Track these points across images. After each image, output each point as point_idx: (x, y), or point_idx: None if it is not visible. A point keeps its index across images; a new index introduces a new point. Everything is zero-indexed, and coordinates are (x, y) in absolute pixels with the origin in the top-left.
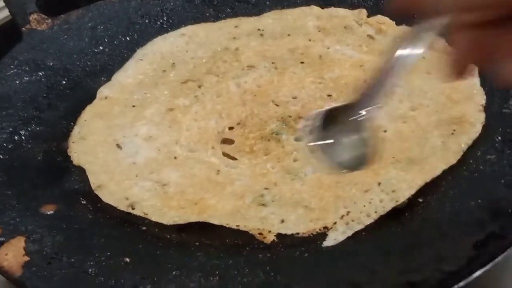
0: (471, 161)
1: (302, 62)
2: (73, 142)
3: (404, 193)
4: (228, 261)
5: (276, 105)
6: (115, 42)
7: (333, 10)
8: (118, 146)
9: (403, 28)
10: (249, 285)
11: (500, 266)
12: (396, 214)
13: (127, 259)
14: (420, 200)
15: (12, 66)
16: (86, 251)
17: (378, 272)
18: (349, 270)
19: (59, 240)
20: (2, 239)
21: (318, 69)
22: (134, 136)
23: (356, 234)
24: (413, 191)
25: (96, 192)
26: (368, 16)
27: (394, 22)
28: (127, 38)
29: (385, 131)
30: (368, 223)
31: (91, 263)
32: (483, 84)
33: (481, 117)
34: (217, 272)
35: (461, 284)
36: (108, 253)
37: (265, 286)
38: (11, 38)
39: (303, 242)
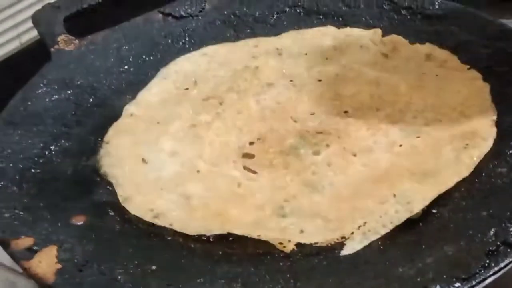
0: (483, 174)
1: (319, 80)
2: (101, 157)
3: (419, 204)
4: (250, 269)
5: (295, 121)
6: (139, 61)
7: (348, 30)
8: (144, 160)
9: (417, 46)
10: None
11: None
12: (411, 225)
13: (154, 267)
14: (434, 211)
15: (41, 85)
16: (115, 259)
17: (393, 279)
18: (366, 278)
19: (89, 249)
20: (36, 248)
21: (334, 87)
22: (159, 151)
23: (373, 243)
24: (427, 202)
25: (123, 204)
26: (383, 36)
27: (407, 41)
28: (151, 58)
29: (400, 145)
30: (384, 233)
31: (120, 270)
32: (494, 100)
33: (493, 132)
34: (239, 279)
35: None
36: (136, 262)
37: None
38: (39, 57)
39: (321, 251)
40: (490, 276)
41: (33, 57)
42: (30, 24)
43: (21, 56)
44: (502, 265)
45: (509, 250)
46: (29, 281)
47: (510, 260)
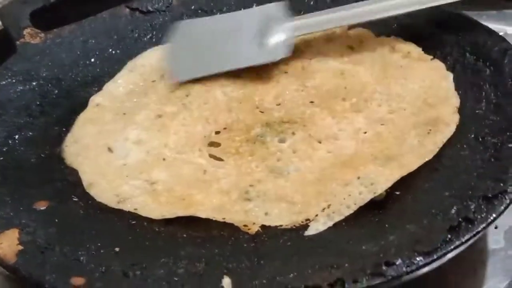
0: (446, 158)
1: (285, 72)
2: (66, 146)
3: (382, 186)
4: (214, 250)
5: (261, 111)
6: (106, 54)
7: None
8: (109, 149)
9: (382, 39)
10: (234, 270)
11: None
12: (375, 206)
13: (117, 249)
14: (397, 193)
15: (6, 77)
16: (78, 242)
17: (356, 256)
18: (329, 255)
19: (52, 232)
20: None
21: (301, 78)
22: (125, 140)
23: (337, 224)
24: (390, 184)
25: (88, 191)
26: (349, 29)
27: (373, 33)
28: (118, 51)
29: (365, 132)
30: (348, 214)
31: (83, 252)
32: (457, 88)
33: (456, 118)
34: (203, 259)
35: (435, 264)
36: (99, 244)
37: (249, 270)
38: (3, 50)
39: (286, 233)
40: (451, 250)
41: None
42: None
43: None
44: (463, 239)
45: (470, 225)
46: None
47: (471, 234)
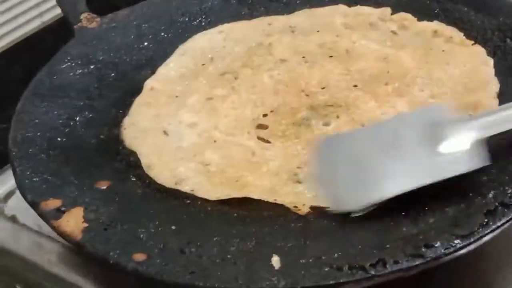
0: (485, 142)
1: (330, 56)
2: (124, 128)
3: None
4: (264, 229)
5: (306, 95)
6: (158, 38)
7: (359, 8)
8: (165, 132)
9: (425, 23)
10: (282, 249)
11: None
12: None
13: (173, 227)
14: None
15: (65, 60)
16: (137, 220)
17: (397, 237)
18: (372, 237)
19: (113, 211)
20: (63, 209)
21: (345, 62)
22: (179, 123)
23: (380, 206)
24: None
25: (147, 172)
26: (392, 14)
27: (416, 18)
28: (169, 35)
29: None
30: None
31: (142, 230)
32: (497, 73)
33: (495, 103)
34: (253, 238)
35: (472, 247)
36: (157, 222)
37: (296, 250)
38: (60, 36)
39: (332, 214)
40: (487, 233)
41: (54, 35)
42: (50, 3)
43: (43, 34)
44: (499, 223)
45: (506, 210)
46: (54, 243)
47: (507, 219)
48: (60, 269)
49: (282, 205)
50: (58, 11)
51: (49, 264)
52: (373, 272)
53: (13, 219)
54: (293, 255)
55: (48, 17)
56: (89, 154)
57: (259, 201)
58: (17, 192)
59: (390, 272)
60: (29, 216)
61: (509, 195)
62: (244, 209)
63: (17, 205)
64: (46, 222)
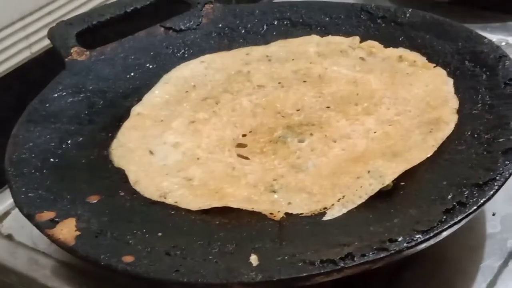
0: (445, 152)
1: (304, 81)
2: (113, 149)
3: (389, 177)
4: (243, 234)
5: (283, 116)
6: (144, 69)
7: (330, 38)
8: (151, 152)
9: (391, 50)
10: (259, 249)
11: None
12: (383, 195)
13: (160, 234)
14: (403, 183)
15: (57, 90)
16: (126, 228)
17: (365, 235)
18: (342, 236)
19: (104, 220)
20: (57, 219)
21: (318, 86)
22: (163, 144)
23: (349, 210)
24: (396, 175)
25: (134, 187)
26: (361, 42)
27: (382, 45)
28: (154, 66)
29: (374, 132)
30: (360, 202)
31: (130, 236)
32: (456, 92)
33: (455, 118)
34: (233, 242)
35: (432, 241)
36: (144, 230)
37: (273, 249)
38: (48, 67)
39: (305, 219)
40: (446, 229)
41: (43, 65)
42: (40, 35)
43: (32, 65)
44: (456, 219)
45: (462, 208)
46: (49, 258)
47: (463, 215)
48: (55, 283)
49: (259, 213)
50: (46, 42)
51: (44, 279)
52: (342, 265)
53: (9, 237)
54: (269, 254)
55: (37, 48)
56: (80, 173)
57: (238, 210)
58: (13, 212)
59: (358, 264)
60: (24, 234)
61: (466, 195)
62: (224, 217)
63: (13, 224)
64: (41, 231)
